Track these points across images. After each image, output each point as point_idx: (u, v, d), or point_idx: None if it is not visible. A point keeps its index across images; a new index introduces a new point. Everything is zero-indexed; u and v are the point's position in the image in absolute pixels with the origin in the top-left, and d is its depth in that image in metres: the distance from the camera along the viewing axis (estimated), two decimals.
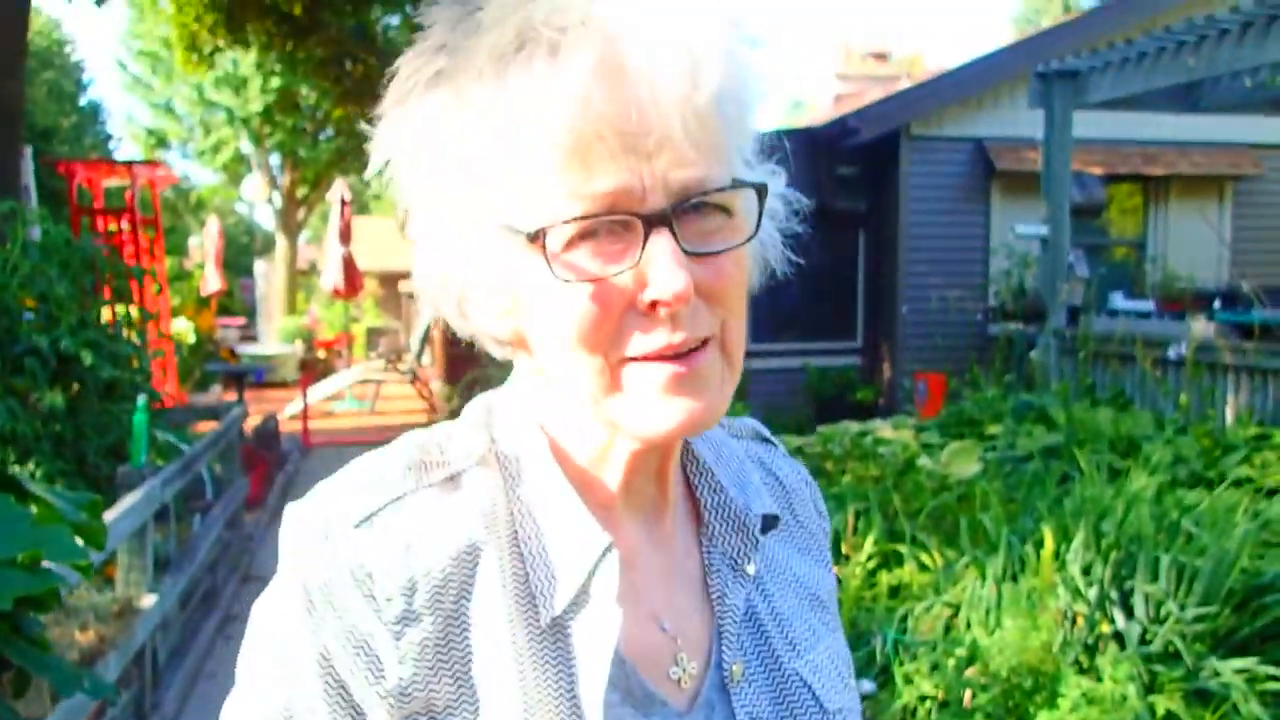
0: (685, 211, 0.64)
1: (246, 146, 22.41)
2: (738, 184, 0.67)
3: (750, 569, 0.77)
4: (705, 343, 0.66)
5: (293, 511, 0.71)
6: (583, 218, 0.63)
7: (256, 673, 0.69)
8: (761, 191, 0.68)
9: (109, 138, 25.24)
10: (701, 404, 0.66)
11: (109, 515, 3.40)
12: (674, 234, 0.63)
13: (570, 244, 0.64)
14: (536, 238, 0.64)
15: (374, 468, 0.71)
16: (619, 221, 0.63)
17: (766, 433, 0.91)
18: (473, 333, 0.73)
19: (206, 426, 6.88)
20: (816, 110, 19.83)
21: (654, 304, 0.64)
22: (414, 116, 0.67)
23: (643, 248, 0.63)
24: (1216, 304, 8.78)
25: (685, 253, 0.64)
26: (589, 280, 0.64)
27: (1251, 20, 6.48)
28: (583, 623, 0.69)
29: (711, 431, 0.82)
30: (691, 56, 0.63)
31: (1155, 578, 3.49)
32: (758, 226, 0.68)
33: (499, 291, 0.69)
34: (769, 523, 0.79)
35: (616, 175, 0.62)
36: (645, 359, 0.65)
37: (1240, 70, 6.91)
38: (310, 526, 0.69)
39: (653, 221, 0.63)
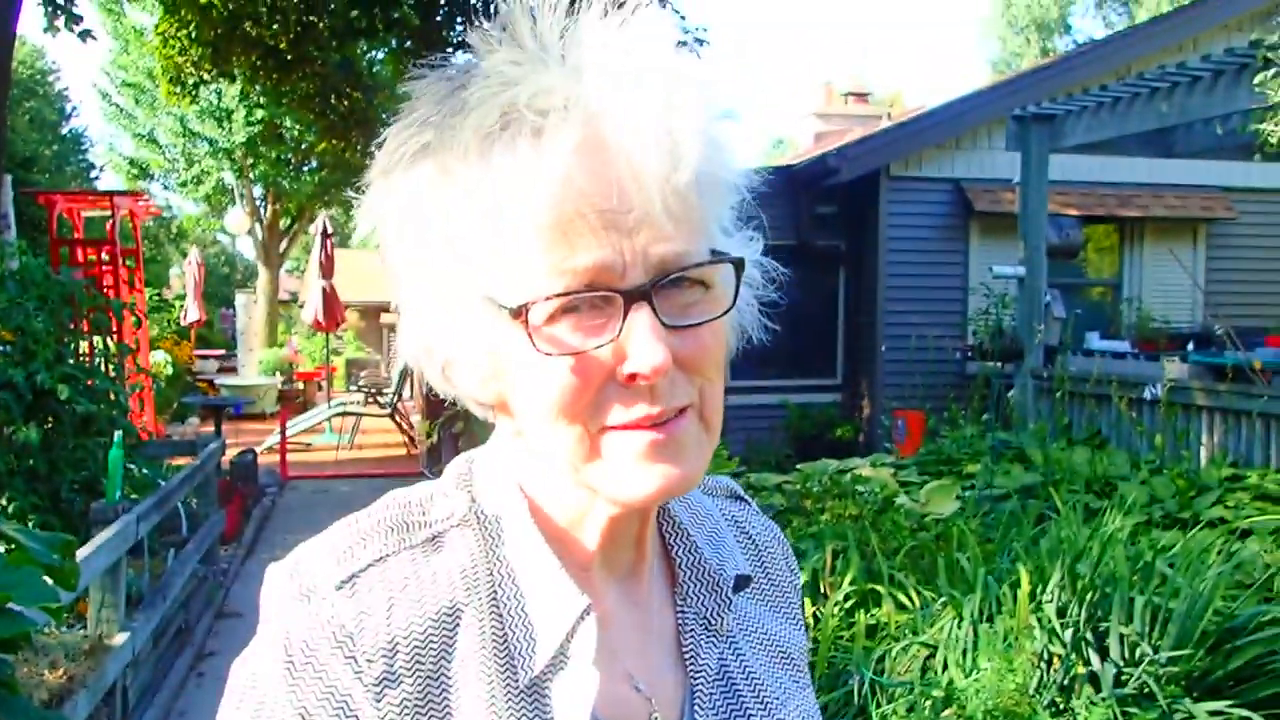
0: (665, 286, 0.66)
1: (229, 178, 22.39)
2: (716, 259, 0.68)
3: (723, 628, 0.79)
4: (683, 410, 0.68)
5: (274, 572, 0.72)
6: (565, 294, 0.64)
7: None
8: (739, 266, 0.69)
9: (90, 167, 25.16)
10: (679, 470, 0.67)
11: (82, 552, 3.37)
12: (653, 309, 0.65)
13: (552, 318, 0.65)
14: (519, 313, 0.65)
15: (356, 528, 0.72)
16: (600, 296, 0.65)
17: (740, 490, 0.92)
18: (456, 395, 0.74)
19: (184, 461, 6.83)
20: (798, 147, 20.02)
21: (633, 376, 0.65)
22: (399, 189, 0.69)
23: (623, 322, 0.65)
24: (1190, 345, 8.89)
25: (664, 326, 0.65)
26: (570, 353, 0.65)
27: (1222, 68, 6.62)
28: (560, 684, 0.69)
29: None
30: (672, 138, 0.65)
31: (1130, 619, 3.50)
32: (735, 299, 0.70)
33: (482, 361, 0.70)
34: (741, 582, 0.81)
35: (598, 251, 0.64)
36: (624, 428, 0.67)
37: (1212, 116, 7.05)
38: (292, 587, 0.70)
39: (633, 297, 0.65)
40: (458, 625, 0.69)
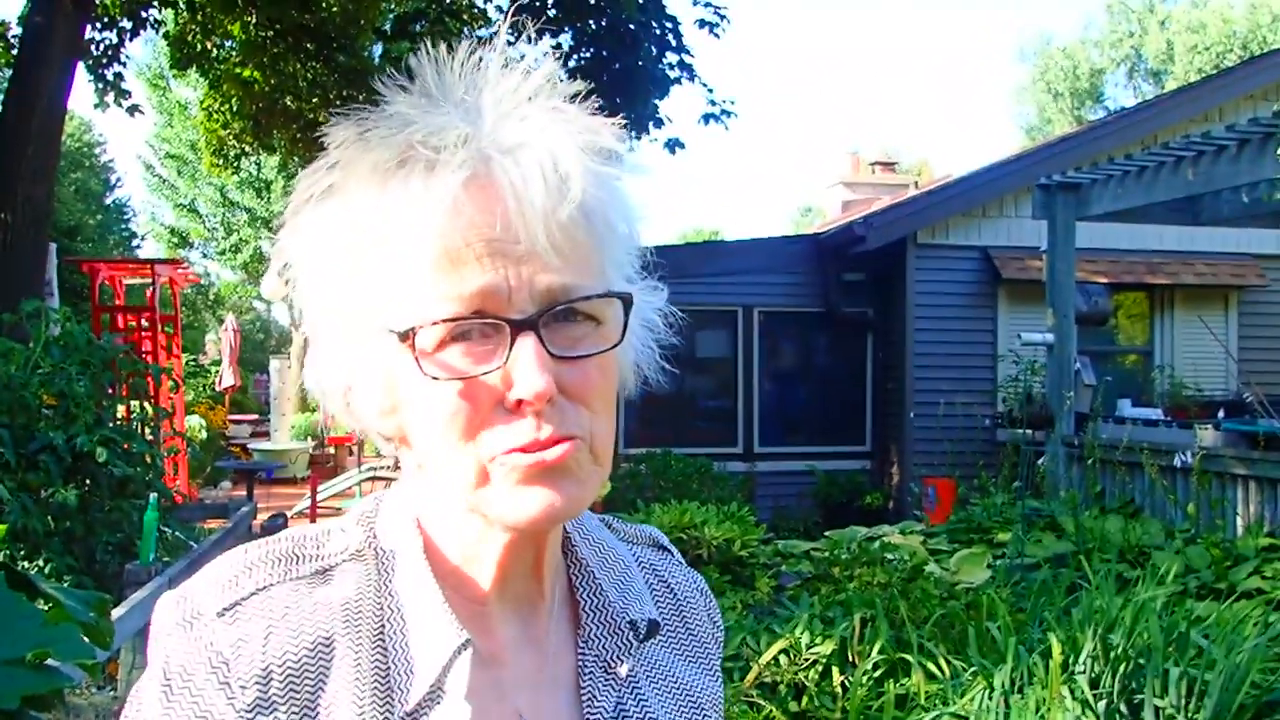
0: (555, 318, 0.69)
1: (267, 246, 22.85)
2: (603, 294, 0.71)
3: (622, 671, 0.79)
4: (572, 439, 0.69)
5: (164, 598, 0.73)
6: (452, 319, 0.67)
7: None
8: (626, 301, 0.72)
9: (133, 235, 25.76)
10: (564, 495, 0.69)
11: (115, 613, 3.41)
12: (539, 337, 0.68)
13: (443, 344, 0.68)
14: (407, 336, 0.68)
15: (244, 558, 0.74)
16: (489, 324, 0.68)
17: (665, 541, 0.93)
18: (361, 428, 0.76)
19: (215, 523, 6.90)
20: (826, 215, 20.20)
21: (519, 402, 0.68)
22: (308, 226, 0.72)
23: (510, 350, 0.68)
24: (1222, 413, 8.79)
25: (552, 355, 0.68)
26: (457, 378, 0.68)
27: (1247, 138, 6.66)
28: (435, 718, 0.70)
29: (600, 535, 0.86)
30: (558, 175, 0.68)
31: (1165, 691, 3.44)
32: (623, 335, 0.72)
33: (381, 391, 0.72)
34: (651, 628, 0.81)
35: (482, 277, 0.67)
36: (511, 452, 0.68)
37: (1238, 185, 7.07)
38: (177, 614, 0.71)
39: (520, 326, 0.67)
40: (333, 656, 0.71)
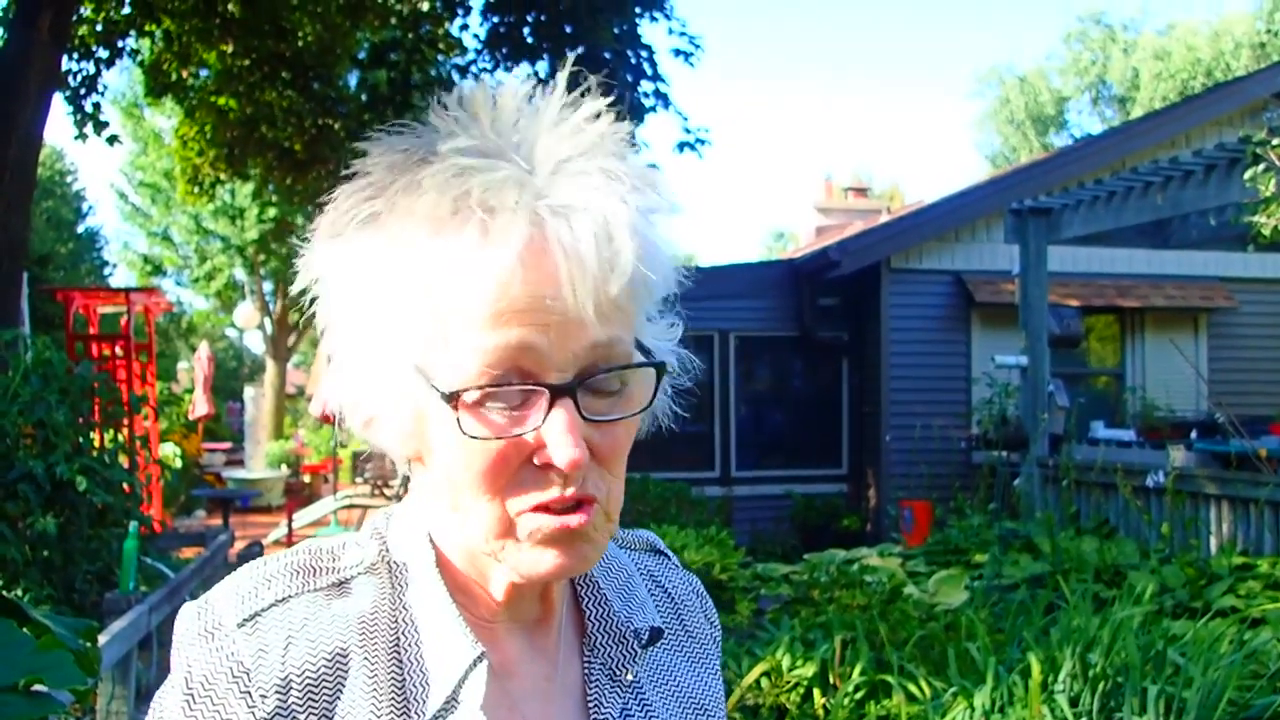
0: (588, 380, 0.70)
1: (240, 274, 22.74)
2: (641, 364, 0.73)
3: (628, 677, 0.81)
4: (592, 502, 0.71)
5: (186, 609, 0.75)
6: (493, 385, 0.68)
7: None
8: (660, 370, 0.74)
9: (105, 264, 25.58)
10: (580, 557, 0.72)
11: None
12: (576, 405, 0.69)
13: (480, 400, 0.69)
14: (452, 398, 0.68)
15: (263, 570, 0.76)
16: (529, 388, 0.69)
17: (661, 545, 0.96)
18: (374, 446, 0.77)
19: (192, 552, 6.84)
20: (799, 240, 20.35)
21: (550, 465, 0.69)
22: (347, 251, 0.72)
23: (546, 414, 0.69)
24: (1193, 433, 8.91)
25: (584, 419, 0.69)
26: (494, 438, 0.69)
27: (1214, 163, 6.80)
28: None
29: None
30: (611, 247, 0.68)
31: (1144, 709, 3.49)
32: (652, 399, 0.74)
33: (406, 421, 0.73)
34: (654, 635, 0.83)
35: (526, 337, 0.68)
36: (535, 510, 0.70)
37: (1205, 209, 7.21)
38: (199, 624, 0.73)
39: (558, 392, 0.69)
40: (350, 667, 0.73)
